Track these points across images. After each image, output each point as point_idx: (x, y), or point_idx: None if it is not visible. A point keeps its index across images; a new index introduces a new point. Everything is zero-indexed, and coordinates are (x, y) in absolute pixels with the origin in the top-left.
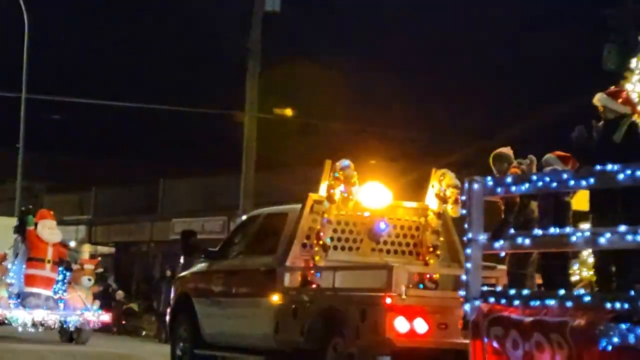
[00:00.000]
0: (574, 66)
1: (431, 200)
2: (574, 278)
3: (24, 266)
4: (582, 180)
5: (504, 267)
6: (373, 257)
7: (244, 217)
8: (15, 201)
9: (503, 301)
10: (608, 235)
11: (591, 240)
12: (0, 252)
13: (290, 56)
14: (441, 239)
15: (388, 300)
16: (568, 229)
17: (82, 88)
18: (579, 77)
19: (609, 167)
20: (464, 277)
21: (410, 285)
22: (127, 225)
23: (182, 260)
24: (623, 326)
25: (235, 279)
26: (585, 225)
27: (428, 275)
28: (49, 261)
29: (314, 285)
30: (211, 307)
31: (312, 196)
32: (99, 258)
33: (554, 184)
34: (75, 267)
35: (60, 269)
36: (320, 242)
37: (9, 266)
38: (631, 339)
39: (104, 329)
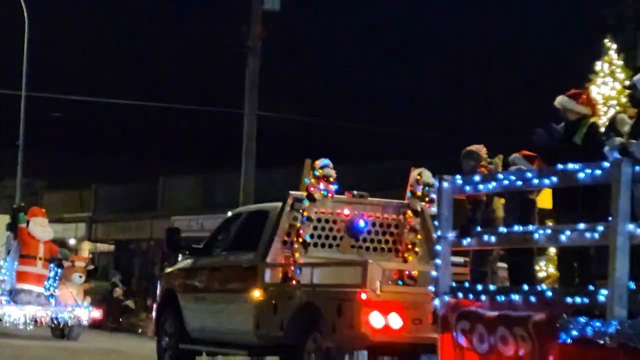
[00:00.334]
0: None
1: (409, 199)
2: (541, 274)
3: (15, 263)
4: (544, 179)
5: None
6: (352, 254)
7: (229, 214)
8: (16, 199)
9: (470, 296)
10: (569, 232)
11: (553, 237)
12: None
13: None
14: (419, 236)
15: (363, 296)
16: (532, 227)
17: (83, 86)
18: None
19: (570, 166)
20: (433, 273)
21: (390, 282)
22: (127, 223)
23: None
24: (581, 319)
25: (218, 275)
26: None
27: (407, 272)
28: (40, 258)
29: (293, 282)
30: (195, 302)
31: (293, 194)
32: (90, 255)
33: (519, 183)
34: (66, 264)
35: (52, 265)
36: (301, 240)
37: (1, 263)
38: (589, 331)
39: (101, 326)
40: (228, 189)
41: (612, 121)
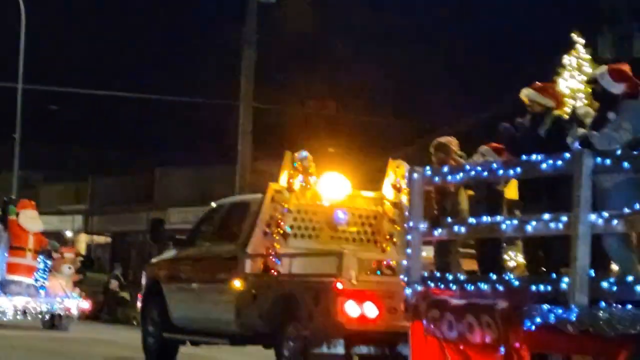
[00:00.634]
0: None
1: (388, 190)
2: (511, 264)
3: (6, 254)
4: (509, 170)
5: None
6: (332, 245)
7: (212, 205)
8: (13, 191)
9: (440, 285)
10: (534, 223)
11: (519, 227)
12: None
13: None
14: (397, 227)
15: (339, 285)
16: (499, 217)
17: (79, 78)
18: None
19: (533, 157)
20: (404, 263)
21: (368, 272)
22: (123, 215)
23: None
24: (544, 307)
25: (201, 266)
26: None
27: (386, 262)
28: (29, 250)
29: (273, 272)
30: (178, 292)
31: (273, 186)
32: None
33: (485, 174)
34: (55, 255)
35: (41, 257)
36: (281, 231)
37: None
38: (551, 318)
39: (97, 317)
40: (225, 181)
41: (574, 113)
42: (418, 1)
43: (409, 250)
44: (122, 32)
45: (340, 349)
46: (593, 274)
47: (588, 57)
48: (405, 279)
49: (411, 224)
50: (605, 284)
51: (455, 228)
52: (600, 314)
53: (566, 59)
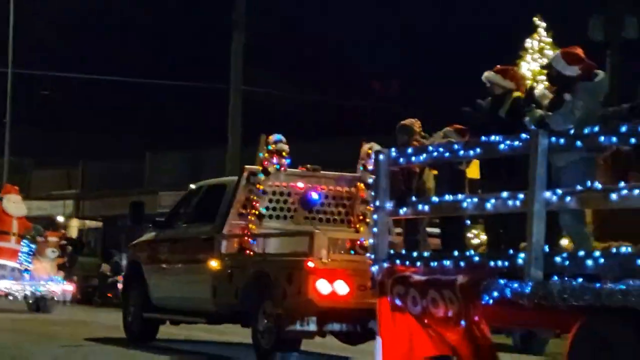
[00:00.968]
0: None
1: (361, 172)
2: (475, 241)
3: None
4: (470, 151)
5: None
6: (306, 226)
7: (191, 187)
8: (4, 177)
9: (406, 262)
10: (493, 200)
11: (479, 205)
12: None
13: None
14: (370, 208)
15: (310, 264)
16: (460, 196)
17: (69, 63)
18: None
19: (492, 138)
20: (371, 241)
21: (342, 251)
22: (114, 199)
23: None
24: (501, 282)
25: (179, 247)
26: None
27: (359, 242)
28: (14, 234)
29: (248, 252)
30: (158, 273)
31: (248, 168)
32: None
33: (447, 154)
34: (40, 239)
35: (25, 241)
36: (256, 212)
37: None
38: (507, 292)
39: (90, 301)
40: (215, 164)
41: (530, 93)
42: None
43: (375, 229)
44: (112, 15)
45: (312, 326)
46: (548, 250)
47: (549, 40)
48: (372, 256)
49: (377, 203)
50: (558, 259)
51: (420, 207)
52: (552, 287)
53: (528, 42)
